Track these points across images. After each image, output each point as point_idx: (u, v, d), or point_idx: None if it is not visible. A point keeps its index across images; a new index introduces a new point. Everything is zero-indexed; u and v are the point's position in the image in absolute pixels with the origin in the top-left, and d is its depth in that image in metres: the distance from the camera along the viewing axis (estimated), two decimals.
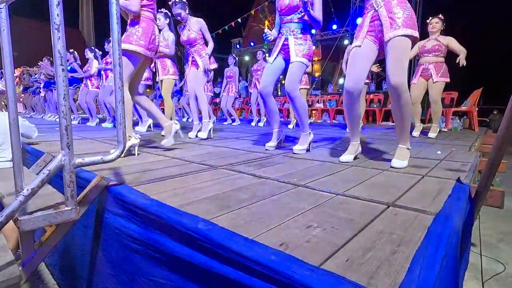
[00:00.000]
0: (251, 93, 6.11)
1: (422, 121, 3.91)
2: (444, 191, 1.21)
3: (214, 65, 3.21)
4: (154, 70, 4.16)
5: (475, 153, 2.24)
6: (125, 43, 2.02)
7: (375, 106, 6.56)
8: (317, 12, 2.11)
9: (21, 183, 0.89)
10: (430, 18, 3.53)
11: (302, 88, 4.87)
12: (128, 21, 2.14)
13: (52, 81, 6.21)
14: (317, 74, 12.80)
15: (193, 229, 0.81)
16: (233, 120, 6.27)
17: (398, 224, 0.88)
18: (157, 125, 4.15)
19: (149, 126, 4.00)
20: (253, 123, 5.91)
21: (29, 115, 8.12)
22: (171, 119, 3.71)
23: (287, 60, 2.25)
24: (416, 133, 3.58)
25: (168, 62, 3.70)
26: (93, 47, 5.52)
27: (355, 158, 1.91)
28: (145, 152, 2.21)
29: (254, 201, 1.09)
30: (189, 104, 3.59)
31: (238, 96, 7.30)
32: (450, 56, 3.50)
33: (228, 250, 0.72)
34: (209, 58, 3.14)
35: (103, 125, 4.88)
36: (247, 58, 15.47)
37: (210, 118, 3.24)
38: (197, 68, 3.15)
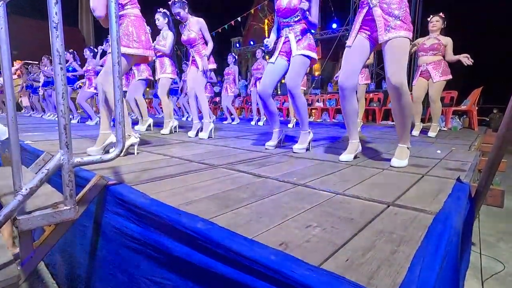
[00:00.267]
0: (250, 92, 6.10)
1: (422, 120, 3.90)
2: (444, 191, 1.20)
3: (213, 65, 3.20)
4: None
5: (475, 152, 2.24)
6: (123, 46, 1.97)
7: (374, 105, 6.56)
8: (314, 17, 2.13)
9: (19, 182, 0.89)
10: (431, 16, 3.52)
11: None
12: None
13: (51, 81, 6.20)
14: (317, 73, 12.80)
15: (193, 228, 0.81)
16: (233, 119, 6.27)
17: (398, 224, 0.88)
18: (158, 125, 4.16)
19: (149, 125, 4.01)
20: (252, 122, 5.90)
21: (29, 114, 8.11)
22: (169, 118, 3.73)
23: (288, 61, 2.24)
24: (416, 132, 3.57)
25: (167, 61, 3.69)
26: (92, 47, 5.51)
27: (355, 157, 1.91)
28: (145, 151, 2.21)
29: (254, 201, 1.09)
30: (189, 103, 3.59)
31: (238, 95, 7.29)
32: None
33: (227, 250, 0.72)
34: (208, 58, 3.13)
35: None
36: (246, 57, 15.45)
37: (210, 118, 3.24)
38: (197, 68, 3.15)
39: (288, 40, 2.20)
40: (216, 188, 1.24)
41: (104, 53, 4.87)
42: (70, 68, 5.51)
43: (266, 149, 2.36)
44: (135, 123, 4.53)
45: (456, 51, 3.42)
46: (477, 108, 4.73)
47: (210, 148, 2.41)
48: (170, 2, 3.06)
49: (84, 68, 5.36)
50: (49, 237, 1.04)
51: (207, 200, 1.09)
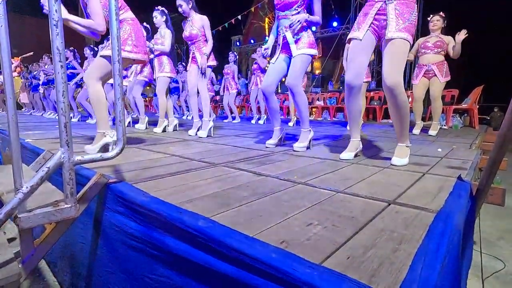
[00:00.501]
0: (251, 90, 6.09)
1: (423, 119, 3.90)
2: (445, 189, 1.20)
3: (213, 62, 3.18)
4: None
5: (476, 150, 2.24)
6: (127, 52, 1.97)
7: (375, 103, 6.55)
8: (317, 13, 2.11)
9: (20, 180, 0.89)
10: (431, 15, 3.51)
11: None
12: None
13: (51, 79, 6.20)
14: (317, 72, 12.79)
15: (193, 226, 0.81)
16: (234, 118, 6.26)
17: (399, 222, 0.88)
18: (154, 124, 4.16)
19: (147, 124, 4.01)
20: (253, 121, 5.90)
21: (29, 112, 8.11)
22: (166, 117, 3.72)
23: (290, 57, 2.23)
24: (416, 131, 3.57)
25: (165, 59, 3.67)
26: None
27: (356, 155, 1.91)
28: (145, 150, 2.21)
29: (255, 199, 1.09)
30: (186, 101, 3.59)
31: (238, 93, 7.29)
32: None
33: (228, 248, 0.72)
34: (209, 56, 3.12)
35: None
36: (247, 55, 15.43)
37: (210, 117, 3.24)
38: (198, 66, 3.15)
39: (287, 40, 2.20)
40: (216, 187, 1.24)
41: None
42: (70, 66, 5.51)
43: (267, 147, 2.35)
44: (135, 122, 4.53)
45: None
46: (477, 106, 4.72)
47: (210, 147, 2.41)
48: None
49: (84, 67, 5.36)
50: (50, 235, 1.05)
51: (208, 198, 1.09)
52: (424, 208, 0.99)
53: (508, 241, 2.77)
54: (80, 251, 1.40)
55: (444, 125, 4.55)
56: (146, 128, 3.96)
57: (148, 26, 3.93)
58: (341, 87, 9.52)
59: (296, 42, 2.16)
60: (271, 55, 2.40)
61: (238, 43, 15.82)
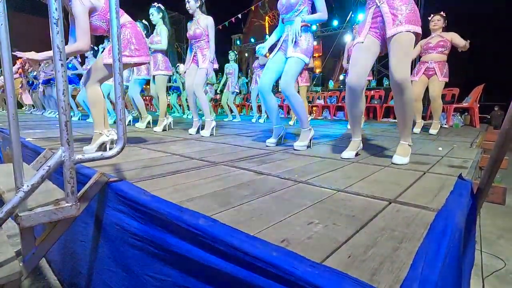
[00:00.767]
0: (251, 89, 6.09)
1: (423, 118, 3.90)
2: (446, 188, 1.20)
3: (215, 65, 3.18)
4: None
5: (477, 149, 2.24)
6: (126, 56, 1.96)
7: (375, 102, 6.54)
8: (320, 10, 2.12)
9: (21, 179, 0.89)
10: (432, 15, 3.51)
11: (302, 85, 4.84)
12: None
13: (51, 78, 6.19)
14: (317, 70, 12.76)
15: (194, 225, 0.81)
16: (234, 117, 6.26)
17: (400, 221, 0.88)
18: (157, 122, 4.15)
19: (149, 123, 4.00)
20: (253, 120, 5.90)
21: (29, 111, 8.11)
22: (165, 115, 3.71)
23: (286, 58, 2.23)
24: (417, 129, 3.56)
25: (160, 57, 3.66)
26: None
27: (357, 154, 1.91)
28: (145, 149, 2.21)
29: (255, 198, 1.09)
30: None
31: (238, 92, 7.28)
32: (452, 54, 3.49)
33: (229, 246, 0.72)
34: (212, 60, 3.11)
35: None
36: (247, 54, 15.42)
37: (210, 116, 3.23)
38: (197, 66, 3.14)
39: (287, 39, 2.20)
40: (217, 185, 1.24)
41: None
42: (70, 65, 5.49)
43: (267, 146, 2.35)
44: (135, 120, 4.53)
45: (457, 49, 3.42)
46: (478, 105, 4.71)
47: (211, 146, 2.41)
48: None
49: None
50: (51, 234, 1.05)
51: (209, 197, 1.09)
52: (425, 207, 0.99)
53: (508, 240, 2.77)
54: (81, 249, 1.40)
55: (445, 124, 4.54)
56: (146, 127, 3.96)
57: (147, 23, 3.91)
58: (341, 86, 9.51)
59: (295, 43, 2.16)
60: (270, 50, 2.40)
61: (238, 42, 15.80)
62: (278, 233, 0.79)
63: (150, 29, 3.91)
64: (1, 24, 0.84)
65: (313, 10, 2.18)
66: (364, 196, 1.11)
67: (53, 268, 1.78)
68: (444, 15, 3.44)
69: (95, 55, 5.17)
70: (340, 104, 7.24)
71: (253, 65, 5.86)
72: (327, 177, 1.40)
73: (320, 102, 7.68)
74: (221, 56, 6.39)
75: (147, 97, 10.54)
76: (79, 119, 5.58)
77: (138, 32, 2.03)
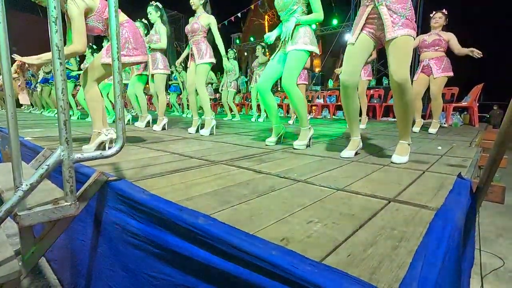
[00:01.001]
0: (250, 88, 6.08)
1: (423, 117, 3.90)
2: (445, 187, 1.20)
3: (212, 59, 3.15)
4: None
5: (476, 148, 2.24)
6: (124, 56, 1.95)
7: (375, 101, 6.54)
8: (317, 10, 2.11)
9: (20, 178, 0.89)
10: (433, 12, 3.51)
11: (300, 84, 4.83)
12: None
13: (50, 77, 6.18)
14: (317, 70, 12.76)
15: (194, 224, 0.81)
16: (233, 116, 6.26)
17: (399, 220, 0.88)
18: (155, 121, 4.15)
19: (148, 122, 4.00)
20: (253, 119, 5.89)
21: (28, 110, 8.09)
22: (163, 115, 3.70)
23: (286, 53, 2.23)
24: (416, 128, 3.57)
25: (158, 55, 3.65)
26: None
27: (356, 153, 1.91)
28: (145, 147, 2.21)
29: (255, 196, 1.08)
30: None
31: (238, 91, 7.28)
32: (452, 54, 3.48)
33: (228, 245, 0.72)
34: (206, 52, 3.09)
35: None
36: (246, 53, 15.39)
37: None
38: (195, 62, 3.12)
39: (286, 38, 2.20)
40: (216, 184, 1.24)
41: None
42: (68, 63, 5.48)
43: (267, 145, 2.35)
44: (135, 119, 4.52)
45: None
46: (477, 104, 4.72)
47: (210, 145, 2.41)
48: None
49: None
50: (50, 233, 1.05)
51: (208, 196, 1.09)
52: (424, 206, 0.99)
53: (507, 238, 2.78)
54: (80, 248, 1.40)
55: (444, 123, 4.55)
56: (146, 126, 3.95)
57: (146, 22, 3.91)
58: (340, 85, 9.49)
59: (292, 37, 2.15)
60: (271, 51, 2.40)
61: (237, 41, 15.77)
62: (278, 232, 0.79)
63: (149, 28, 3.90)
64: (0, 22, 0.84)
65: (310, 10, 2.18)
66: (364, 195, 1.11)
67: (52, 267, 1.78)
68: (446, 13, 3.44)
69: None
70: (339, 103, 7.23)
71: (252, 64, 5.85)
72: (326, 176, 1.40)
73: (320, 101, 7.67)
74: (221, 56, 6.37)
75: (147, 96, 10.52)
76: (78, 118, 5.57)
77: (135, 31, 2.02)
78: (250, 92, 6.45)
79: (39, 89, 6.66)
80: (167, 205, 0.94)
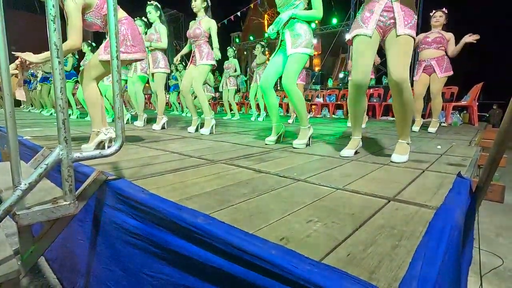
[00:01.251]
0: (250, 87, 6.07)
1: (422, 116, 3.90)
2: (445, 186, 1.20)
3: (212, 62, 3.17)
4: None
5: (475, 147, 2.24)
6: (122, 53, 1.92)
7: (375, 100, 6.55)
8: (316, 7, 2.10)
9: (18, 177, 0.88)
10: (434, 11, 3.50)
11: (299, 83, 4.82)
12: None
13: (49, 76, 6.16)
14: (317, 69, 12.76)
15: (193, 223, 0.81)
16: (233, 115, 6.25)
17: (399, 219, 0.88)
18: (155, 120, 4.15)
19: (145, 121, 4.00)
20: (252, 118, 5.89)
21: (28, 109, 8.07)
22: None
23: (287, 56, 2.23)
24: (416, 127, 3.57)
25: (159, 55, 3.66)
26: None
27: (356, 153, 1.91)
28: (144, 147, 2.20)
29: (254, 196, 1.08)
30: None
31: (238, 90, 7.27)
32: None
33: (228, 245, 0.71)
34: (208, 54, 3.12)
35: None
36: (246, 52, 15.37)
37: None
38: (195, 65, 3.15)
39: (286, 38, 2.20)
40: (216, 184, 1.24)
41: None
42: (65, 63, 5.46)
43: (266, 144, 2.35)
44: (134, 119, 4.51)
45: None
46: (477, 103, 4.72)
47: (209, 144, 2.40)
48: None
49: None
50: (49, 232, 1.04)
51: (207, 195, 1.09)
52: (424, 205, 0.99)
53: (506, 237, 2.78)
54: (79, 248, 1.39)
55: (444, 122, 4.55)
56: (145, 125, 3.95)
57: (146, 20, 3.91)
58: (340, 84, 9.50)
59: (293, 40, 2.15)
60: (270, 49, 2.39)
61: (237, 40, 15.75)
62: (277, 231, 0.79)
63: (149, 27, 3.91)
64: None
65: (311, 8, 2.17)
66: (363, 194, 1.11)
67: (52, 267, 1.78)
68: (446, 12, 3.44)
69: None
70: (339, 102, 7.24)
71: (252, 64, 5.84)
72: (326, 175, 1.40)
73: (319, 100, 7.67)
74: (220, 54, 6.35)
75: (146, 95, 10.52)
76: (77, 117, 5.56)
77: (134, 28, 2.01)
78: (249, 91, 6.44)
79: (38, 88, 6.65)
80: (167, 204, 0.94)
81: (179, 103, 8.31)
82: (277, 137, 2.42)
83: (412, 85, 3.77)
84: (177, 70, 7.63)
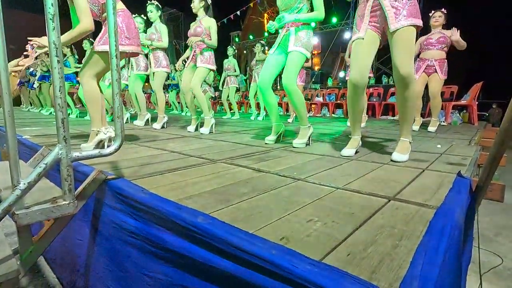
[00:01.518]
0: (250, 87, 6.07)
1: (422, 115, 3.90)
2: (445, 185, 1.20)
3: (213, 66, 3.19)
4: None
5: (475, 147, 2.24)
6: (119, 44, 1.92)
7: (374, 100, 6.54)
8: (318, 9, 2.10)
9: (17, 177, 0.88)
10: (433, 11, 3.50)
11: (299, 85, 4.82)
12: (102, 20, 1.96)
13: (47, 75, 6.15)
14: (316, 68, 12.75)
15: (193, 223, 0.80)
16: (232, 114, 6.24)
17: (399, 218, 0.87)
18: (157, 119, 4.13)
19: (147, 121, 3.99)
20: (252, 117, 5.88)
21: (27, 108, 8.06)
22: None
23: (286, 54, 2.22)
24: (416, 127, 3.57)
25: (161, 54, 3.66)
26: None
27: (356, 152, 1.91)
28: (144, 146, 2.20)
29: (254, 195, 1.08)
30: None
31: (237, 89, 7.27)
32: (451, 52, 3.48)
33: (228, 244, 0.71)
34: (209, 59, 3.14)
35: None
36: (245, 51, 15.35)
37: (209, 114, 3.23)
38: (196, 64, 3.15)
39: (287, 36, 2.19)
40: (216, 183, 1.24)
41: None
42: (65, 63, 5.45)
43: (266, 143, 2.35)
44: (133, 118, 4.50)
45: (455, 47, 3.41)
46: (477, 103, 4.72)
47: (209, 143, 2.40)
48: None
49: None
50: (48, 232, 1.04)
51: (207, 194, 1.08)
52: (424, 204, 0.99)
53: (506, 237, 2.79)
54: (79, 247, 1.39)
55: (443, 122, 4.55)
56: (145, 124, 3.94)
57: (145, 18, 3.92)
58: (340, 83, 9.50)
59: (296, 38, 2.15)
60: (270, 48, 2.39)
61: (237, 39, 15.73)
62: (277, 231, 0.79)
63: (148, 26, 3.91)
64: None
65: (311, 8, 2.17)
66: (363, 194, 1.11)
67: (51, 266, 1.78)
68: (445, 12, 3.44)
69: None
70: (339, 101, 7.23)
71: (251, 63, 5.83)
72: (326, 175, 1.40)
73: (319, 99, 7.67)
74: (220, 55, 6.36)
75: (146, 95, 10.50)
76: (77, 116, 5.55)
77: (129, 21, 1.98)
78: (249, 90, 6.43)
79: (36, 85, 6.62)
80: (166, 204, 0.94)
81: (178, 103, 8.30)
82: (277, 137, 2.41)
83: None
84: (176, 70, 7.62)
